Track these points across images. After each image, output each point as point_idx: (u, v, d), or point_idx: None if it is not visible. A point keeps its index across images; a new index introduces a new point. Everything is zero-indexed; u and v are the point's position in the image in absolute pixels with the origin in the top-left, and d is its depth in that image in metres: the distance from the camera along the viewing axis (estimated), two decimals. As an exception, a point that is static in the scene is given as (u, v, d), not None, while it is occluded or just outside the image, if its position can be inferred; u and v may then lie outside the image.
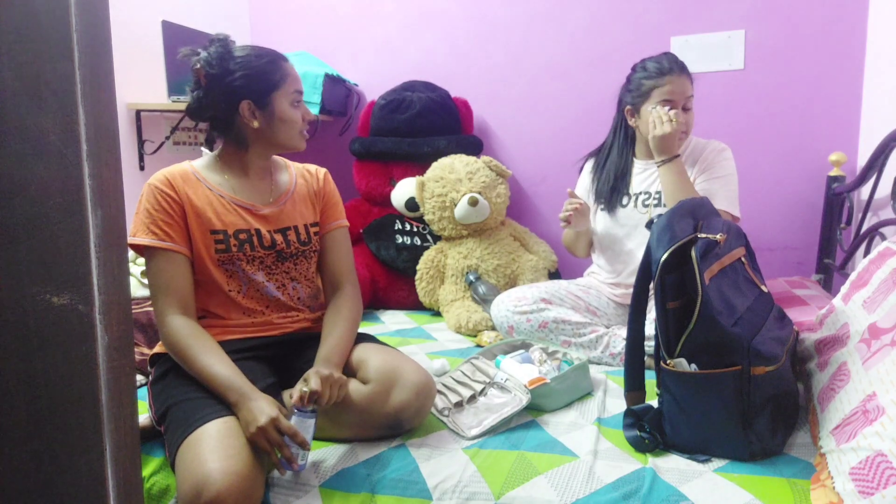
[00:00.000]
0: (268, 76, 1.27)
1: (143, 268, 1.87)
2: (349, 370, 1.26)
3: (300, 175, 1.44)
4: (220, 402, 1.13)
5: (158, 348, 1.31)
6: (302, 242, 1.37)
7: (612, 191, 1.78)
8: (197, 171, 1.31)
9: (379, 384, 1.19)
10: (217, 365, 1.15)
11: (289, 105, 1.30)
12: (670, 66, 1.64)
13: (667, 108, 1.61)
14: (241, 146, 1.32)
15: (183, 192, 1.26)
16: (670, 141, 1.58)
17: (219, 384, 1.13)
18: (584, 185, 1.91)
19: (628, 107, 1.72)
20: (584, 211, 1.74)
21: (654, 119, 1.60)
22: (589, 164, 1.92)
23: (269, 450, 1.07)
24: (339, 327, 1.31)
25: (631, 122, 1.73)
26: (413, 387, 1.19)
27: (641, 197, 1.74)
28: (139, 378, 1.53)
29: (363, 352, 1.28)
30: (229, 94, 1.26)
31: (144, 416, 1.26)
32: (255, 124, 1.28)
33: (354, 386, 1.21)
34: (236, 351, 1.26)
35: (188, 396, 1.15)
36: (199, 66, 1.26)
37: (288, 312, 1.37)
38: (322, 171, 1.48)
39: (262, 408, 1.08)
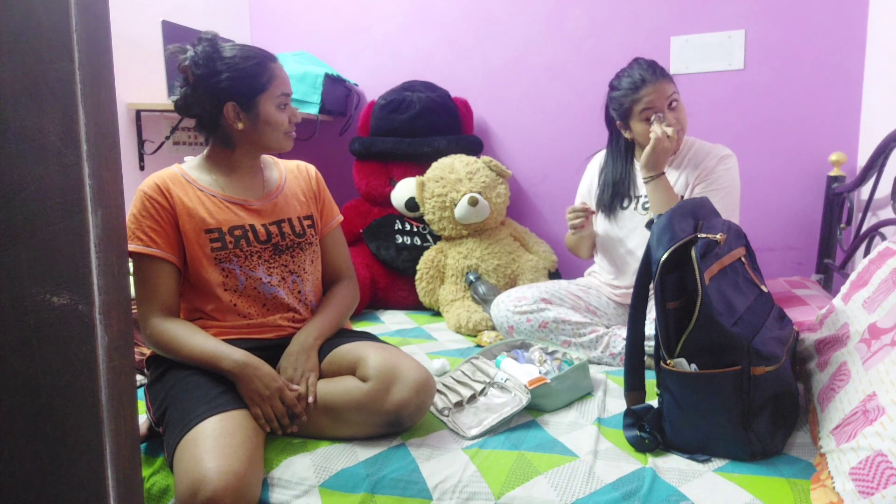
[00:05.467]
0: (254, 79, 1.27)
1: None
2: (348, 368, 1.26)
3: (289, 171, 1.46)
4: (217, 398, 1.13)
5: (154, 350, 1.31)
6: (297, 234, 1.38)
7: (613, 197, 1.79)
8: (186, 172, 1.32)
9: (378, 381, 1.19)
10: (207, 342, 1.21)
11: (275, 108, 1.30)
12: (643, 77, 1.61)
13: (663, 123, 1.60)
14: (228, 146, 1.33)
15: (174, 197, 1.27)
16: (664, 157, 1.59)
17: (210, 356, 1.19)
18: (586, 185, 1.91)
19: (618, 122, 1.71)
20: (591, 214, 1.78)
21: (653, 135, 1.58)
22: (592, 163, 1.92)
23: (270, 416, 1.17)
24: (328, 308, 1.41)
25: (626, 135, 1.72)
26: (413, 383, 1.19)
27: (642, 200, 1.74)
28: (139, 378, 1.53)
29: (362, 349, 1.28)
30: (214, 95, 1.26)
31: (143, 419, 1.26)
32: (240, 126, 1.28)
33: (354, 384, 1.21)
34: None
35: (185, 395, 1.15)
36: (186, 63, 1.26)
37: (285, 313, 1.37)
38: (312, 168, 1.51)
39: (270, 375, 1.19)
